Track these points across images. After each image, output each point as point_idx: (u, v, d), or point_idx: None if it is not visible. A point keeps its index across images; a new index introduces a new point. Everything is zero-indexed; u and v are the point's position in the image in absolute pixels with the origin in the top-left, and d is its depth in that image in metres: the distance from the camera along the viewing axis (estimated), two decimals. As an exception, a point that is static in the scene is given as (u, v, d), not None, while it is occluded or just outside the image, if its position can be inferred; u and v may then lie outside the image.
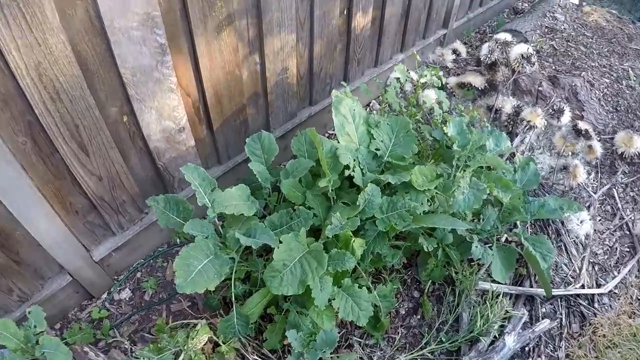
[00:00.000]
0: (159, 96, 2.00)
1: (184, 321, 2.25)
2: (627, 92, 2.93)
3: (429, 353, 2.20)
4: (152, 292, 2.45)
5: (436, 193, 1.97)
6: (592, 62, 2.91)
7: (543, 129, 2.71)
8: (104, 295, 2.39)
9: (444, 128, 2.01)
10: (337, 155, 1.96)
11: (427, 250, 2.01)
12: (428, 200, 1.95)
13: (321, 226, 2.09)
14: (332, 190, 2.02)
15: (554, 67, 2.89)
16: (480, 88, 2.72)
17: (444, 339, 2.21)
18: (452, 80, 2.79)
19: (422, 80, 2.48)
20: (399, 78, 2.61)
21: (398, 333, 2.27)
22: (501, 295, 2.21)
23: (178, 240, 2.53)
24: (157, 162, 2.23)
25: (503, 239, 2.37)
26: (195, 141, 2.32)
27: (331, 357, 2.12)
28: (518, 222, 2.43)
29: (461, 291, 2.28)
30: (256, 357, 2.17)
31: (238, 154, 2.52)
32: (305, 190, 2.09)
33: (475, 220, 2.17)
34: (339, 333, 2.23)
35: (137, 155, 2.11)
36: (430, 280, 2.36)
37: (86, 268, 2.22)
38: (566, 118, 2.73)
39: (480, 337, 2.11)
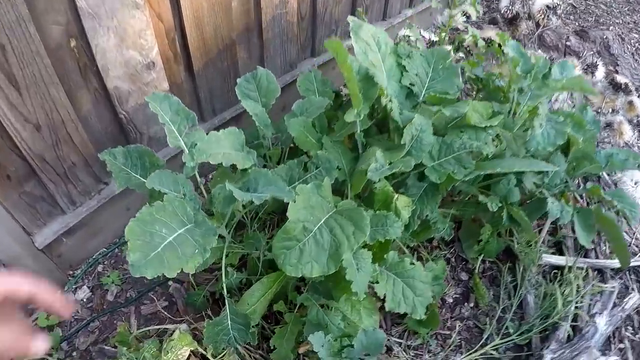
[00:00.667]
0: (120, 13, 1.34)
1: (159, 326, 1.42)
2: (658, 46, 2.39)
3: (493, 350, 1.44)
4: (117, 291, 1.63)
5: (501, 132, 1.26)
6: (616, 19, 2.40)
7: (586, 78, 2.10)
8: None
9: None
10: (371, 75, 1.23)
11: (491, 209, 1.28)
12: (493, 140, 1.24)
13: (344, 186, 1.33)
14: (360, 130, 1.29)
15: (577, 24, 2.33)
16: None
17: (511, 330, 1.46)
18: (468, 39, 2.15)
19: (436, 38, 1.84)
20: (409, 36, 1.93)
21: (449, 328, 1.51)
22: (577, 270, 1.51)
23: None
24: (119, 110, 1.51)
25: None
26: (170, 86, 1.58)
27: None
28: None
29: (523, 268, 1.56)
30: (263, 374, 1.36)
31: (226, 109, 1.79)
32: (321, 135, 1.35)
33: (541, 174, 1.47)
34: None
35: (90, 97, 1.43)
36: (481, 258, 1.63)
37: (27, 258, 1.50)
38: (601, 73, 2.15)
39: (562, 323, 1.38)
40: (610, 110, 2.20)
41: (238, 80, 1.52)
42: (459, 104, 1.33)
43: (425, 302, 1.22)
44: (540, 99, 1.39)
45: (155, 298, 1.64)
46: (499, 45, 1.79)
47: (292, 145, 1.54)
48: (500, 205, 1.43)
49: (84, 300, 1.67)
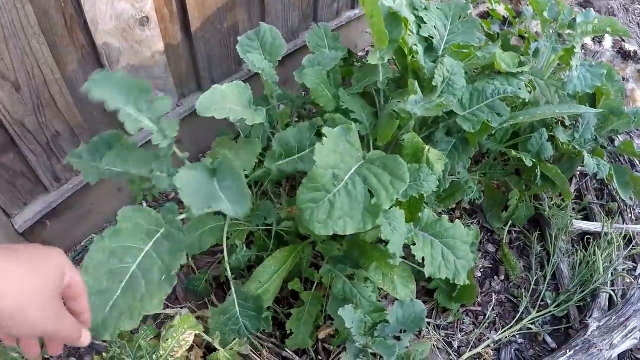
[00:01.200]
0: None
1: (163, 311, 1.20)
2: (661, 16, 2.31)
3: (530, 324, 1.27)
4: (109, 281, 1.37)
5: (533, 79, 1.11)
6: (615, -9, 2.30)
7: (591, 49, 1.99)
8: None
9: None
10: (396, 12, 1.07)
11: (528, 164, 1.12)
12: (527, 87, 1.09)
13: (365, 141, 1.16)
14: (382, 78, 1.12)
15: (577, -4, 2.25)
16: (505, 17, 1.97)
17: (549, 301, 1.30)
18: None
19: None
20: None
21: (479, 304, 1.33)
22: (613, 235, 1.35)
23: (144, 199, 1.51)
24: (109, 71, 1.25)
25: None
26: (166, 47, 1.39)
27: (404, 354, 1.13)
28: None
29: (554, 236, 1.39)
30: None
31: (225, 78, 1.62)
32: (337, 90, 1.18)
33: (570, 130, 1.32)
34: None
35: (77, 55, 1.23)
36: (508, 228, 1.47)
37: (5, 243, 1.28)
38: (608, 42, 2.06)
39: (607, 289, 1.22)
40: (621, 78, 2.09)
41: (239, 38, 1.33)
42: (489, 47, 1.18)
43: (468, 265, 1.04)
44: (572, 43, 1.24)
45: (152, 284, 1.42)
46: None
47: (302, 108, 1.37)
48: (534, 161, 1.27)
49: (72, 291, 1.44)
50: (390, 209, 1.02)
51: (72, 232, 1.48)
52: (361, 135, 1.20)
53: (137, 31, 1.31)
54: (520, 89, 1.17)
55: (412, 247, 1.02)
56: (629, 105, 2.01)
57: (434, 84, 1.14)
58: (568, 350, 1.21)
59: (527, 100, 1.21)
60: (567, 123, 1.38)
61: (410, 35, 1.17)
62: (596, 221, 1.59)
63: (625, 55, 2.10)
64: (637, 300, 1.29)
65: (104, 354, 1.08)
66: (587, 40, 2.02)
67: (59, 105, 1.23)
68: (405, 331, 1.05)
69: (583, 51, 2.07)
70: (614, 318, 1.26)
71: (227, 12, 1.52)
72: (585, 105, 1.44)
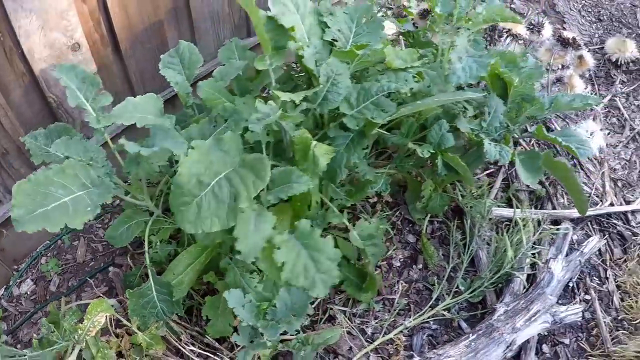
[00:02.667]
0: None
1: (88, 300, 1.25)
2: (606, 2, 2.21)
3: (444, 310, 1.22)
4: (59, 281, 1.44)
5: (423, 71, 1.07)
6: (560, -21, 2.18)
7: (526, 38, 1.89)
8: (1, 292, 1.52)
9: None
10: (277, 19, 1.06)
11: (421, 155, 1.09)
12: (414, 77, 1.04)
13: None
14: (274, 81, 1.10)
15: (520, -13, 2.14)
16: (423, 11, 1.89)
17: (462, 288, 1.24)
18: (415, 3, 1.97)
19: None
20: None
21: (396, 292, 1.29)
22: (520, 221, 1.28)
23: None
24: (47, 94, 1.37)
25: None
26: (99, 67, 1.41)
27: (304, 337, 1.11)
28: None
29: (472, 224, 1.33)
30: (195, 350, 1.15)
31: (159, 91, 1.62)
32: (235, 97, 1.17)
33: (477, 119, 1.26)
34: (312, 302, 1.23)
35: (17, 82, 1.28)
36: (428, 217, 1.42)
37: None
38: (548, 31, 1.94)
39: (516, 273, 1.15)
40: (560, 66, 1.98)
41: (162, 56, 1.38)
42: (373, 46, 1.14)
43: (329, 281, 0.99)
44: (470, 30, 1.19)
45: (93, 285, 1.46)
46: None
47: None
48: (433, 152, 1.22)
49: (28, 293, 1.50)
50: (263, 211, 1.01)
51: (27, 239, 1.54)
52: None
53: (70, 56, 1.34)
54: (406, 80, 1.13)
55: (276, 250, 0.99)
56: (566, 91, 1.90)
57: (319, 82, 1.11)
58: (471, 334, 1.16)
59: (415, 92, 1.17)
60: (470, 113, 1.31)
61: (295, 41, 1.15)
62: (524, 205, 1.51)
63: (564, 43, 1.98)
64: (546, 284, 1.22)
65: (35, 335, 1.14)
66: (520, 30, 1.92)
67: (6, 127, 1.28)
68: (295, 316, 1.04)
69: (522, 41, 1.97)
70: (521, 302, 1.19)
71: (155, 32, 1.54)
72: (494, 94, 1.37)
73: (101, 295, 1.43)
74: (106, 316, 1.11)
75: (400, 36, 1.57)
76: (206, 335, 1.25)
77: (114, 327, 1.24)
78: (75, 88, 1.11)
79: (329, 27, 1.35)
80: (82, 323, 1.11)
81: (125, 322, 1.20)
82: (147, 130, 1.12)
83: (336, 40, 1.36)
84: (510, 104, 1.40)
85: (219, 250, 1.28)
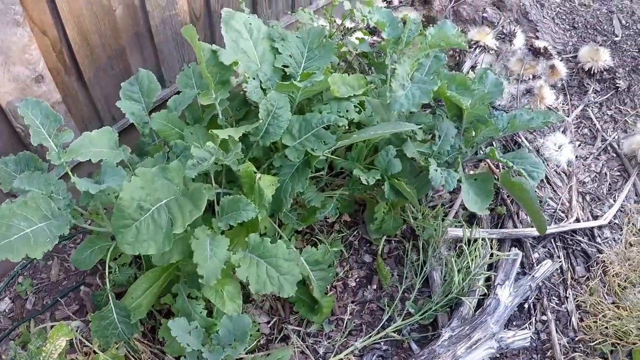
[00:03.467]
0: (2, 31, 1.23)
1: (55, 323, 1.29)
2: (582, 9, 2.12)
3: (394, 332, 1.23)
4: (35, 299, 1.49)
5: (366, 100, 1.06)
6: (536, -14, 2.11)
7: (495, 49, 1.85)
8: None
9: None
10: (218, 55, 1.06)
11: (365, 183, 1.07)
12: (356, 107, 1.03)
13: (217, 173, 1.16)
14: (221, 114, 1.11)
15: (495, -5, 2.08)
16: (415, 23, 1.86)
17: (412, 311, 1.24)
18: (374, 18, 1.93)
19: (352, 24, 1.62)
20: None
21: (348, 312, 1.30)
22: (480, 241, 1.26)
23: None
24: (15, 125, 1.43)
25: (471, 171, 1.45)
26: (64, 96, 1.45)
27: (254, 357, 1.13)
28: (481, 148, 1.51)
29: (426, 244, 1.34)
30: (153, 371, 1.19)
31: (124, 116, 1.62)
32: (189, 126, 1.18)
33: (428, 143, 1.24)
34: (267, 322, 1.27)
35: None
36: (384, 237, 1.43)
37: None
38: (520, 40, 1.91)
39: (463, 299, 1.15)
40: (531, 76, 1.93)
41: (122, 84, 1.40)
42: (315, 75, 1.13)
43: (293, 279, 1.03)
44: (413, 58, 1.17)
45: (67, 303, 1.50)
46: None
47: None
48: (379, 178, 1.21)
49: (6, 310, 1.55)
50: (215, 236, 1.04)
51: (3, 261, 1.59)
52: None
53: (34, 88, 1.37)
54: (347, 111, 1.12)
55: (236, 269, 1.02)
56: (536, 103, 1.85)
57: (260, 117, 1.12)
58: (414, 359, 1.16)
59: (357, 121, 1.15)
60: (420, 137, 1.29)
61: (236, 76, 1.15)
62: (482, 227, 1.49)
63: (536, 52, 1.93)
64: (493, 311, 1.21)
65: (3, 356, 1.20)
66: (489, 42, 1.87)
67: None
68: (238, 340, 1.06)
69: (493, 51, 1.92)
70: (465, 329, 1.19)
71: (118, 58, 1.56)
72: (444, 118, 1.35)
73: (71, 314, 1.48)
74: (68, 340, 1.16)
75: (357, 57, 1.55)
76: (167, 354, 1.29)
77: (81, 346, 1.29)
78: (39, 124, 1.16)
79: (280, 53, 1.35)
80: (45, 346, 1.16)
81: (85, 341, 1.25)
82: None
83: (287, 66, 1.35)
84: (466, 124, 1.37)
85: (177, 273, 1.31)
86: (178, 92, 1.82)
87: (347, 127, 1.16)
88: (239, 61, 1.26)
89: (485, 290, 1.29)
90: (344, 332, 1.32)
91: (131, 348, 1.29)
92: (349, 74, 1.28)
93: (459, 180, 1.22)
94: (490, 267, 1.37)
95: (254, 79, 1.20)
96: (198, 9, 1.73)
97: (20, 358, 1.18)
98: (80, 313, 1.50)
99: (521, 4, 2.02)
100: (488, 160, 1.66)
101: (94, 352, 1.27)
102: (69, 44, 1.40)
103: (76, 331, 1.32)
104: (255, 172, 1.12)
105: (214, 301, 1.09)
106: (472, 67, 1.88)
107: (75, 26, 1.38)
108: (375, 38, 2.03)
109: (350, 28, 1.90)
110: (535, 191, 1.65)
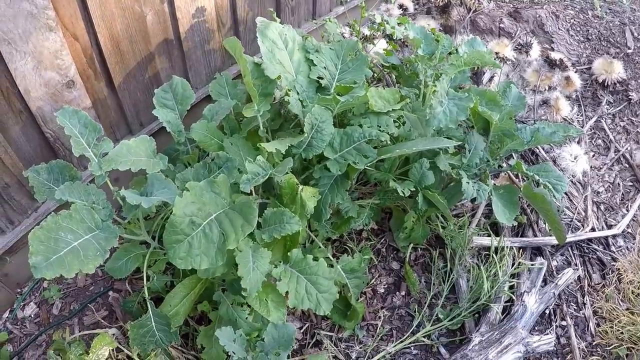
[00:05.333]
0: (34, 36, 1.26)
1: (89, 331, 1.34)
2: (595, 21, 2.23)
3: (424, 337, 1.31)
4: (62, 304, 1.53)
5: (404, 114, 1.13)
6: (551, -3, 2.21)
7: (513, 59, 1.94)
8: (6, 314, 1.59)
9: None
10: (263, 69, 1.12)
11: (402, 194, 1.18)
12: (395, 122, 1.11)
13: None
14: (262, 126, 1.18)
15: (512, 6, 2.18)
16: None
17: (441, 316, 1.32)
18: (399, 29, 2.02)
19: (369, 32, 1.70)
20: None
21: (379, 318, 1.38)
22: (506, 249, 1.35)
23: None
24: (44, 130, 1.46)
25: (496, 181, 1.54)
26: (94, 102, 1.49)
27: None
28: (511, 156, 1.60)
29: (453, 252, 1.43)
30: (190, 376, 1.25)
31: (153, 121, 1.70)
32: (226, 136, 1.24)
33: (458, 155, 1.33)
34: (300, 327, 1.34)
35: (15, 119, 1.35)
36: (411, 245, 1.51)
37: None
38: (536, 52, 1.99)
39: (491, 305, 1.23)
40: (547, 87, 2.03)
41: (155, 91, 1.45)
42: (355, 90, 1.20)
43: (330, 298, 1.10)
44: (449, 75, 1.25)
45: (94, 309, 1.55)
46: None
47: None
48: (413, 190, 1.29)
49: (32, 316, 1.59)
50: (258, 249, 1.10)
51: (29, 265, 1.63)
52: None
53: (65, 93, 1.41)
54: (387, 125, 1.20)
55: (277, 282, 1.09)
56: (552, 114, 1.95)
57: (305, 130, 1.18)
58: (448, 364, 1.25)
59: (396, 136, 1.23)
60: (450, 151, 1.38)
61: (281, 89, 1.21)
62: (506, 236, 1.59)
63: (552, 64, 2.03)
64: (520, 317, 1.30)
65: None
66: (507, 53, 1.96)
67: (6, 163, 1.36)
68: (282, 347, 1.13)
69: (510, 62, 2.02)
70: (495, 333, 1.28)
71: (148, 64, 1.60)
72: (474, 131, 1.44)
73: (101, 319, 1.53)
74: (111, 349, 1.21)
75: (385, 70, 1.63)
76: (201, 360, 1.35)
77: (115, 353, 1.34)
78: (78, 133, 1.18)
79: (315, 65, 1.42)
80: (87, 354, 1.21)
81: (124, 349, 1.30)
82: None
83: (322, 78, 1.42)
84: (492, 137, 1.46)
85: (212, 280, 1.37)
86: (205, 98, 1.88)
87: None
88: (275, 72, 1.32)
89: (513, 297, 1.38)
90: (375, 337, 1.40)
91: (167, 355, 1.35)
92: (384, 87, 1.36)
93: (490, 193, 1.32)
94: (512, 274, 1.46)
95: (296, 92, 1.27)
96: (225, 17, 1.79)
97: (60, 366, 1.22)
98: (109, 319, 1.55)
99: (537, 15, 2.12)
100: (509, 172, 1.76)
101: (128, 359, 1.32)
102: (100, 49, 1.45)
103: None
104: (297, 184, 1.19)
105: (258, 310, 1.15)
106: (490, 78, 1.97)
107: (107, 32, 1.43)
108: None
109: (368, 36, 1.97)
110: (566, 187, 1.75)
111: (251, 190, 1.27)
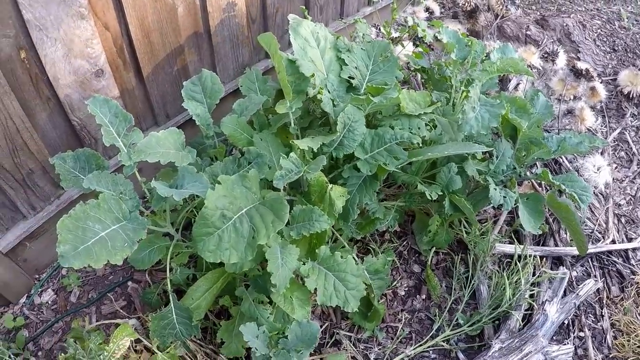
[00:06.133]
0: (66, 24, 1.28)
1: (109, 321, 1.36)
2: (622, 32, 2.25)
3: (443, 342, 1.33)
4: (80, 292, 1.56)
5: (435, 118, 1.16)
6: (578, 7, 2.24)
7: (540, 68, 1.96)
8: (23, 300, 1.61)
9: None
10: (298, 66, 1.14)
11: (430, 198, 1.20)
12: (427, 125, 1.13)
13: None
14: (294, 123, 1.20)
15: (539, 13, 2.19)
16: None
17: (461, 322, 1.34)
18: (430, 33, 2.04)
19: (397, 34, 1.72)
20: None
21: (399, 320, 1.40)
22: (529, 258, 1.37)
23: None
24: (71, 118, 1.49)
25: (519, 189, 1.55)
26: (121, 92, 1.51)
27: None
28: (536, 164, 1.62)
29: (475, 258, 1.44)
30: (210, 369, 1.27)
31: (179, 113, 1.72)
32: (256, 131, 1.26)
33: (486, 161, 1.35)
34: (320, 326, 1.35)
35: (43, 106, 1.38)
36: (433, 250, 1.52)
37: None
38: (562, 60, 2.01)
39: (512, 312, 1.25)
40: (572, 97, 2.05)
41: (185, 83, 1.47)
42: (388, 92, 1.23)
43: (358, 295, 1.12)
44: (481, 80, 1.27)
45: (113, 298, 1.58)
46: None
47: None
48: (440, 194, 1.31)
49: (49, 302, 1.62)
50: (286, 245, 1.12)
51: (48, 251, 1.65)
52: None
53: (93, 82, 1.44)
54: (419, 128, 1.22)
55: (306, 278, 1.11)
56: (577, 124, 1.97)
57: (337, 129, 1.21)
58: (468, 369, 1.27)
59: (427, 139, 1.25)
60: (478, 156, 1.40)
61: (314, 87, 1.24)
62: (527, 244, 1.61)
63: (578, 74, 2.04)
64: (540, 325, 1.32)
65: (61, 355, 1.26)
66: (535, 61, 1.98)
67: (31, 149, 1.38)
68: (305, 345, 1.15)
69: (536, 70, 2.03)
70: (515, 341, 1.30)
71: (176, 57, 1.63)
72: (502, 138, 1.46)
73: (119, 309, 1.55)
74: (132, 339, 1.23)
75: (415, 72, 1.65)
76: (220, 354, 1.37)
77: (133, 343, 1.36)
78: (109, 123, 1.19)
79: (346, 64, 1.44)
80: (107, 344, 1.23)
81: (143, 340, 1.33)
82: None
83: (352, 78, 1.44)
84: (519, 145, 1.48)
85: (235, 275, 1.39)
86: (231, 93, 1.90)
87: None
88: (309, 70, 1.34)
89: (535, 305, 1.40)
90: (395, 340, 1.42)
91: (186, 348, 1.37)
92: (408, 90, 1.38)
93: (516, 200, 1.34)
94: (533, 283, 1.48)
95: (327, 90, 1.29)
96: (254, 12, 1.81)
97: (78, 355, 1.24)
98: (127, 309, 1.57)
99: (564, 24, 2.13)
100: (532, 180, 1.78)
101: (147, 350, 1.35)
102: (130, 39, 1.48)
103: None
104: (327, 182, 1.21)
105: (283, 307, 1.17)
106: (516, 85, 1.99)
107: (138, 22, 1.45)
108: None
109: (395, 38, 2.00)
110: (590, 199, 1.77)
111: (281, 189, 1.29)
